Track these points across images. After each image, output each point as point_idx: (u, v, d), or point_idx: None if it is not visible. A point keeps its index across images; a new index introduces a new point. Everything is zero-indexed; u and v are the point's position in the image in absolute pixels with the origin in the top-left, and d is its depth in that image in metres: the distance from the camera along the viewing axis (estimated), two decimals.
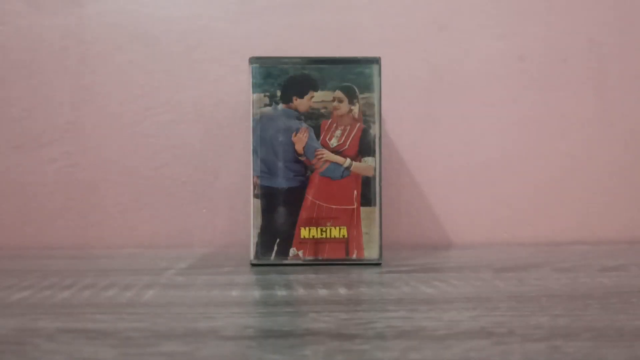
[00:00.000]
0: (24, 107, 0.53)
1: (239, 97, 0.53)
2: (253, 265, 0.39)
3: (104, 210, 0.53)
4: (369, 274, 0.35)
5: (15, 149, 0.53)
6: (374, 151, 0.39)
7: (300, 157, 0.39)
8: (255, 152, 0.39)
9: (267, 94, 0.39)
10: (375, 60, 0.39)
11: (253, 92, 0.39)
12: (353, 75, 0.39)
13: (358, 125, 0.39)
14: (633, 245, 0.52)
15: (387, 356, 0.18)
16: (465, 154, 0.55)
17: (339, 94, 0.39)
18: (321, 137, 0.39)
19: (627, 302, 0.26)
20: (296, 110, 0.39)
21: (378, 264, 0.39)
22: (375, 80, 0.39)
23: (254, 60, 0.39)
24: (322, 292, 0.29)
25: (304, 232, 0.39)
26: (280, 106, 0.39)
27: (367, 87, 0.39)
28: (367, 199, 0.39)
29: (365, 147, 0.39)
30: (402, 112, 0.55)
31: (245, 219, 0.53)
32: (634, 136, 0.56)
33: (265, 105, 0.39)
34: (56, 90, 0.53)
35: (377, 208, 0.39)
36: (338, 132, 0.39)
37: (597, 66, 0.56)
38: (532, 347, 0.19)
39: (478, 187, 0.55)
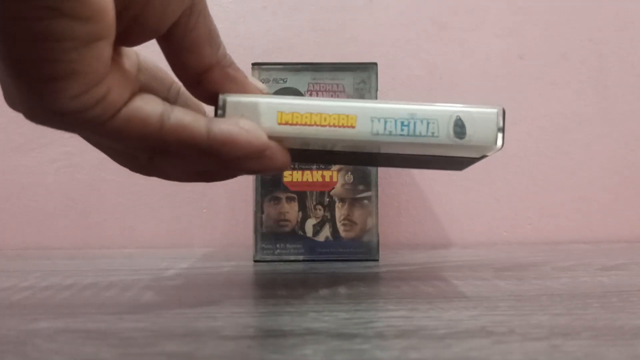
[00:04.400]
0: None
1: None
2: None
3: (104, 210, 0.53)
4: (369, 273, 0.35)
5: (15, 149, 0.53)
6: None
7: None
8: None
9: None
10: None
11: None
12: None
13: None
14: (633, 244, 0.52)
15: (387, 355, 0.18)
16: None
17: None
18: None
19: (626, 301, 0.26)
20: None
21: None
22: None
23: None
24: (323, 291, 0.29)
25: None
26: None
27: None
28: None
29: None
30: None
31: (245, 218, 0.53)
32: (635, 135, 0.56)
33: None
34: None
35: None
36: None
37: (597, 65, 0.56)
38: (532, 346, 0.19)
39: (478, 187, 0.55)
